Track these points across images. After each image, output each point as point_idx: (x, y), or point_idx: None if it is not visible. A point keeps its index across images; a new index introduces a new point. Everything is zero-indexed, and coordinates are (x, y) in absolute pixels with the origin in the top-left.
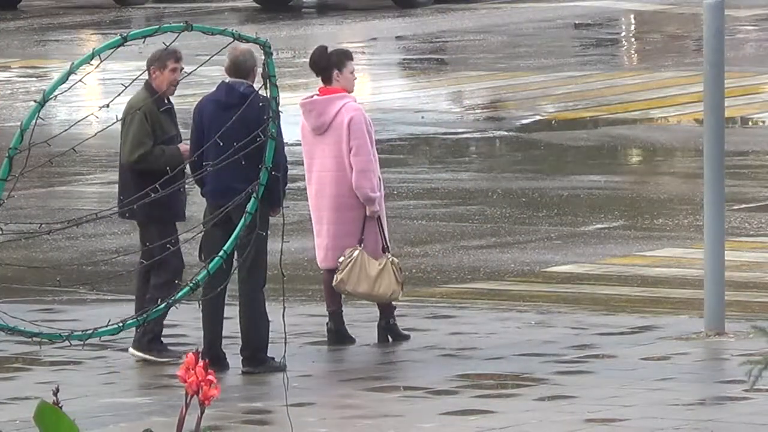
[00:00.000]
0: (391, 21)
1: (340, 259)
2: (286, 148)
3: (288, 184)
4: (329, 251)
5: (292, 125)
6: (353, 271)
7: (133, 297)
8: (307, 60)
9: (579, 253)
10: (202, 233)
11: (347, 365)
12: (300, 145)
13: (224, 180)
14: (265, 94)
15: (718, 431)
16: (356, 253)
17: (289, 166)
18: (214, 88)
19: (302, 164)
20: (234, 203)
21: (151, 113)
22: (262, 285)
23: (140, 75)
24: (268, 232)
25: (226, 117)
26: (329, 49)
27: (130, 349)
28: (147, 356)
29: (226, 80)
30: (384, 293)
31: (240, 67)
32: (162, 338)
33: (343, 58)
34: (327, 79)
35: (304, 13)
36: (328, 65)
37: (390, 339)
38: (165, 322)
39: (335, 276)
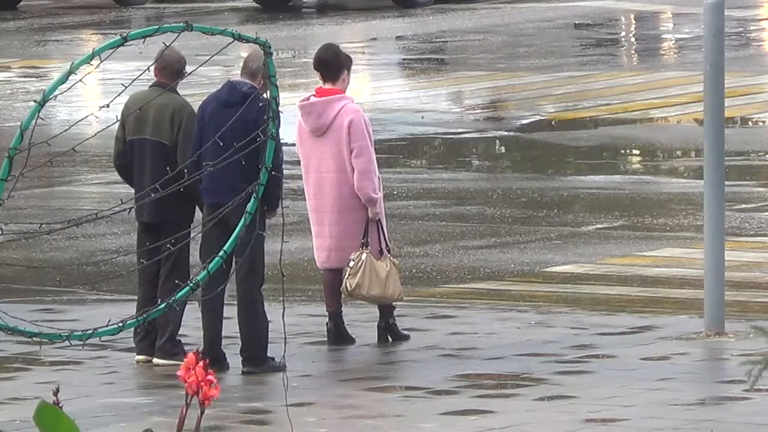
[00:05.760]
0: (391, 21)
1: (350, 264)
2: (285, 148)
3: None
4: (332, 252)
5: (292, 125)
6: (365, 275)
7: (132, 297)
8: (308, 60)
9: (579, 253)
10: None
11: (347, 365)
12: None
13: (219, 179)
14: (265, 95)
15: (718, 431)
16: (364, 256)
17: (284, 166)
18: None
19: (300, 164)
20: (234, 203)
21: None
22: (260, 285)
23: (140, 75)
24: (267, 232)
25: (226, 114)
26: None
27: (154, 359)
28: (173, 362)
29: (232, 79)
30: (392, 295)
31: (246, 68)
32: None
33: (350, 61)
34: (332, 79)
35: (304, 13)
36: (340, 65)
37: (390, 339)
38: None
39: (347, 282)
